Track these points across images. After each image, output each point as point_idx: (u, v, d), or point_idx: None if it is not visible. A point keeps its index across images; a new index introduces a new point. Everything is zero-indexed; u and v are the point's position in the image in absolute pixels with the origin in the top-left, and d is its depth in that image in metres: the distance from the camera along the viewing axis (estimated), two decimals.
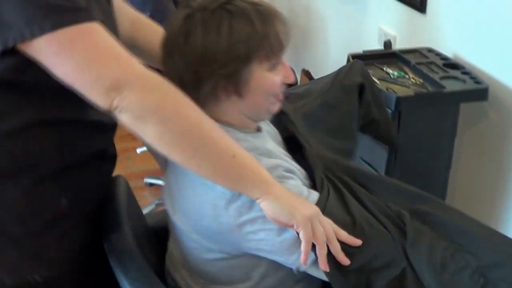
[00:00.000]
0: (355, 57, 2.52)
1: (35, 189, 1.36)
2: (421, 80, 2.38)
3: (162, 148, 1.27)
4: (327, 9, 3.93)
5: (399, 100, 2.20)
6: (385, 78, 2.40)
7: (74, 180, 1.43)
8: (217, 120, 1.39)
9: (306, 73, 3.98)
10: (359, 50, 2.63)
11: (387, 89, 2.28)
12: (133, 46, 1.54)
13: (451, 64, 2.46)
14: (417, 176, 2.38)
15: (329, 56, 4.02)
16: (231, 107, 1.41)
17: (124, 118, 1.23)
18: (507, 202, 2.44)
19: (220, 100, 1.39)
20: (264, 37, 1.35)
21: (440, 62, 2.48)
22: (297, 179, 1.43)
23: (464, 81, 2.32)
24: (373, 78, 2.36)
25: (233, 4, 1.36)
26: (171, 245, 1.58)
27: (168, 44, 1.40)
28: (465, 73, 2.38)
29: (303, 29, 4.39)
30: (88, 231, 1.50)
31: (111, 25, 1.39)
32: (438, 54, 2.57)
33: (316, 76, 3.99)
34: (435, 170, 2.40)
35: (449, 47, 2.62)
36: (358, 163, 2.45)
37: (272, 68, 1.40)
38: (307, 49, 4.40)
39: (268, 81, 1.40)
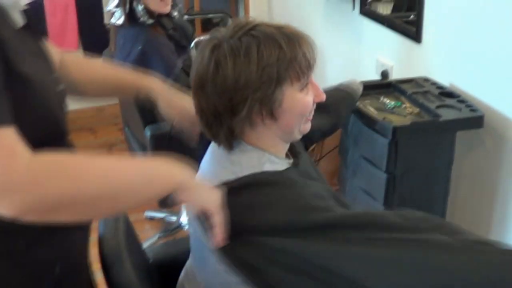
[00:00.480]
0: None
1: (28, 258, 1.30)
2: (417, 109, 2.41)
3: (87, 217, 1.24)
4: (324, 41, 3.97)
5: (395, 129, 2.23)
6: (382, 108, 2.43)
7: (61, 240, 1.36)
8: (254, 145, 1.43)
9: None
10: (357, 79, 2.66)
11: (384, 119, 2.30)
12: (69, 83, 1.51)
13: (447, 93, 2.49)
14: (415, 204, 2.38)
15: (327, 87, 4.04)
16: (266, 131, 1.43)
17: (32, 218, 1.09)
18: (504, 227, 2.46)
19: (255, 124, 1.41)
20: (293, 57, 1.38)
21: (436, 91, 2.51)
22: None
23: (460, 109, 2.35)
24: (370, 107, 2.40)
25: (258, 30, 1.38)
26: (190, 269, 1.58)
27: (199, 76, 1.40)
28: (461, 101, 2.41)
29: None
30: None
31: (46, 67, 1.35)
32: (434, 83, 2.60)
33: None
34: (433, 198, 2.42)
35: (445, 76, 2.65)
36: (357, 192, 2.47)
37: (303, 88, 1.43)
38: None
39: (302, 101, 1.43)
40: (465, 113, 2.33)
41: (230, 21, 4.72)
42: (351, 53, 3.60)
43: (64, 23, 4.36)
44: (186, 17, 4.60)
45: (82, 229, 1.43)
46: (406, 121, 2.32)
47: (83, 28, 4.52)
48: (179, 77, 2.76)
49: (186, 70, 2.87)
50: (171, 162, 1.27)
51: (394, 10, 3.26)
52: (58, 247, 1.36)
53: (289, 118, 1.42)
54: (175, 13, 2.99)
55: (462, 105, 2.38)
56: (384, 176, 2.30)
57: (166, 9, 2.88)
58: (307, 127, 1.50)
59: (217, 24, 5.05)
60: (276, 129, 1.43)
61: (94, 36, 4.53)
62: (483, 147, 2.50)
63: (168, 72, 2.72)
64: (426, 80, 2.64)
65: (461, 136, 2.45)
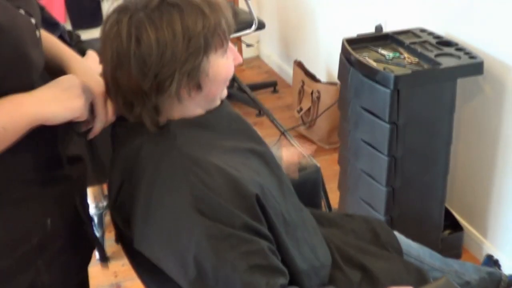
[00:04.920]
0: (349, 41, 2.55)
1: (17, 213, 1.27)
2: (416, 59, 2.40)
3: None
4: None
5: (397, 79, 2.22)
6: (381, 60, 2.42)
7: (52, 196, 1.35)
8: (177, 118, 1.38)
9: (299, 64, 3.99)
10: (351, 35, 2.65)
11: (384, 69, 2.30)
12: None
13: (444, 42, 2.49)
14: (419, 153, 2.40)
15: (320, 46, 4.04)
16: (191, 103, 1.37)
17: None
18: (505, 174, 2.47)
19: (182, 99, 1.34)
20: (218, 24, 1.31)
21: (433, 41, 2.50)
22: None
23: (459, 57, 2.35)
24: (369, 60, 2.40)
25: None
26: None
27: (117, 53, 1.29)
28: (459, 49, 2.41)
29: (293, 22, 4.41)
30: (76, 251, 1.45)
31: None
32: (430, 33, 2.59)
33: (308, 66, 4.01)
34: (436, 146, 2.42)
35: (440, 26, 2.64)
36: (359, 144, 2.47)
37: (224, 53, 1.37)
38: (298, 41, 4.41)
39: (225, 66, 1.38)
40: (465, 60, 2.33)
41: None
42: (344, 8, 3.59)
43: None
44: None
45: (70, 182, 1.42)
46: (407, 70, 2.32)
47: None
48: None
49: None
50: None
51: None
52: (47, 201, 1.34)
53: (213, 86, 1.37)
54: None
55: (460, 53, 2.37)
56: (387, 126, 2.30)
57: None
58: (225, 93, 1.46)
59: None
60: (199, 99, 1.38)
61: (83, 9, 4.47)
62: (483, 94, 2.51)
63: None
64: (422, 30, 2.64)
65: (460, 85, 2.45)
